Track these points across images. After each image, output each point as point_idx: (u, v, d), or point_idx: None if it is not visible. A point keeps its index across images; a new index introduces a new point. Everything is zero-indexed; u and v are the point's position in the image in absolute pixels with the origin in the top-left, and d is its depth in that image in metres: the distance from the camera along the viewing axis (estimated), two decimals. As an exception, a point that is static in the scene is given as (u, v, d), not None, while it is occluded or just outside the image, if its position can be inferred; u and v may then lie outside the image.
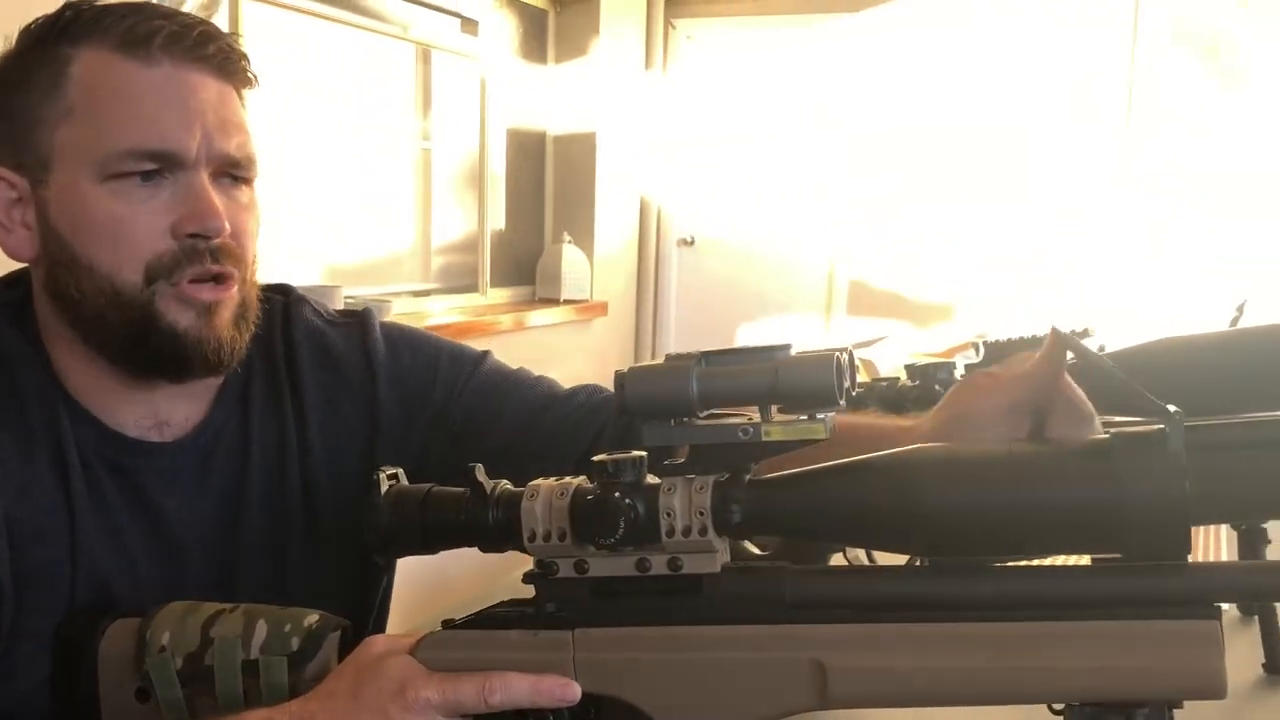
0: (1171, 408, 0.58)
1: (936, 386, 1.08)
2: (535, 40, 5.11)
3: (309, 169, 3.91)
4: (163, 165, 0.89)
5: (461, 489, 0.72)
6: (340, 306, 3.53)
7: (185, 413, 0.99)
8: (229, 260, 0.93)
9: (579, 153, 5.18)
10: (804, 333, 5.29)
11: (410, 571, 1.11)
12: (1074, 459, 0.60)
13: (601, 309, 5.16)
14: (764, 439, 0.66)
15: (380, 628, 1.13)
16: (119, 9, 0.91)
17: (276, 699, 0.75)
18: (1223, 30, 4.92)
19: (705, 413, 0.68)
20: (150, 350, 0.92)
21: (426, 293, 4.54)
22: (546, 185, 5.24)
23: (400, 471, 0.75)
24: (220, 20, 3.13)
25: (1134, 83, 5.07)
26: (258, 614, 0.79)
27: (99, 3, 0.91)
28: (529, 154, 5.15)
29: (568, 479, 0.70)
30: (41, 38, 0.91)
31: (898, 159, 5.40)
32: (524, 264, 5.10)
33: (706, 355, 0.69)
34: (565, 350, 4.94)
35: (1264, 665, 1.16)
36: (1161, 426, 0.58)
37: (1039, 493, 0.60)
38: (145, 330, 0.91)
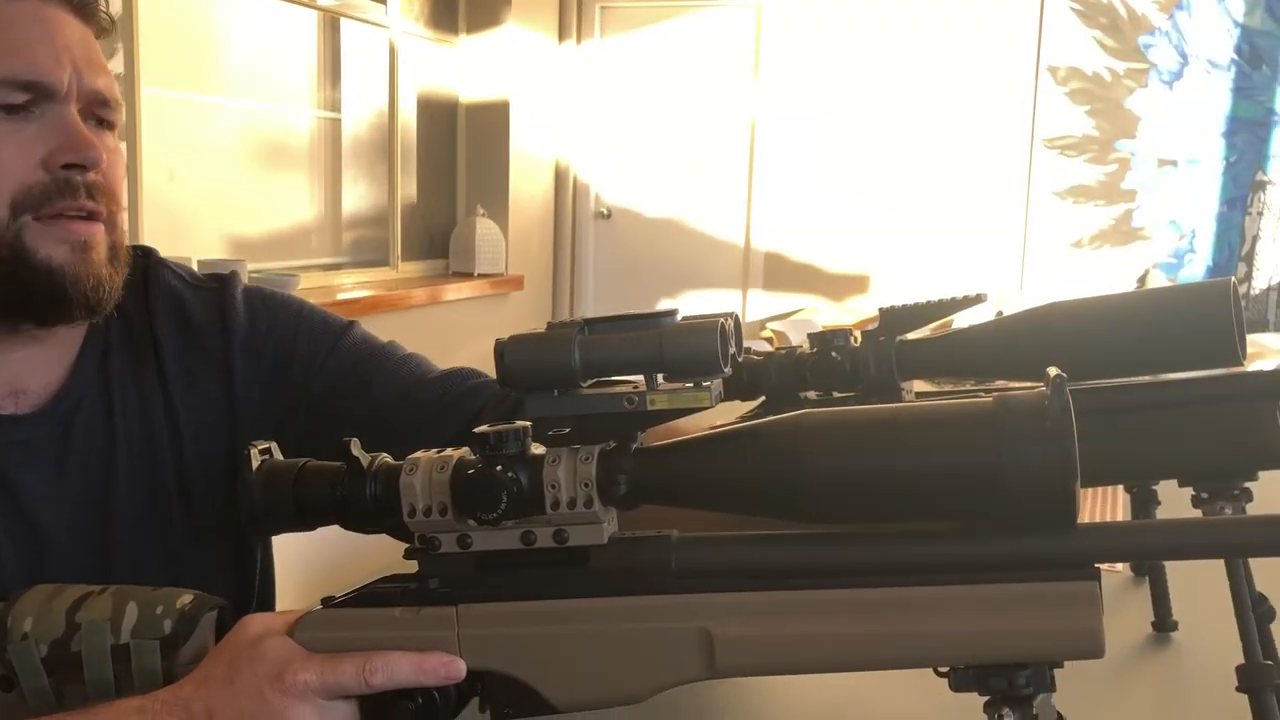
0: (1053, 371, 0.57)
1: (834, 354, 1.07)
2: (446, 8, 5.03)
3: (210, 138, 3.80)
4: (33, 96, 0.86)
5: (338, 464, 0.70)
6: (245, 282, 3.46)
7: (43, 379, 0.93)
8: (102, 198, 0.89)
9: (492, 124, 5.11)
10: (722, 306, 5.31)
11: (308, 547, 1.07)
12: (957, 423, 0.59)
13: (518, 283, 5.12)
14: (649, 408, 0.64)
15: (267, 607, 1.08)
16: None
17: (149, 685, 0.72)
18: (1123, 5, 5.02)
19: (589, 382, 0.67)
20: (22, 290, 0.86)
21: (337, 266, 4.46)
22: (459, 157, 5.17)
23: (273, 446, 0.72)
24: (112, -16, 3.02)
25: (1042, 53, 5.16)
26: (128, 596, 0.75)
27: None
28: (441, 125, 5.07)
29: (448, 451, 0.68)
30: None
31: (813, 130, 5.43)
32: (437, 237, 5.04)
33: (589, 323, 0.67)
34: (480, 326, 4.89)
35: (1153, 624, 1.19)
36: (1044, 389, 0.57)
37: (921, 458, 0.59)
38: (15, 267, 0.86)
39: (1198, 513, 0.95)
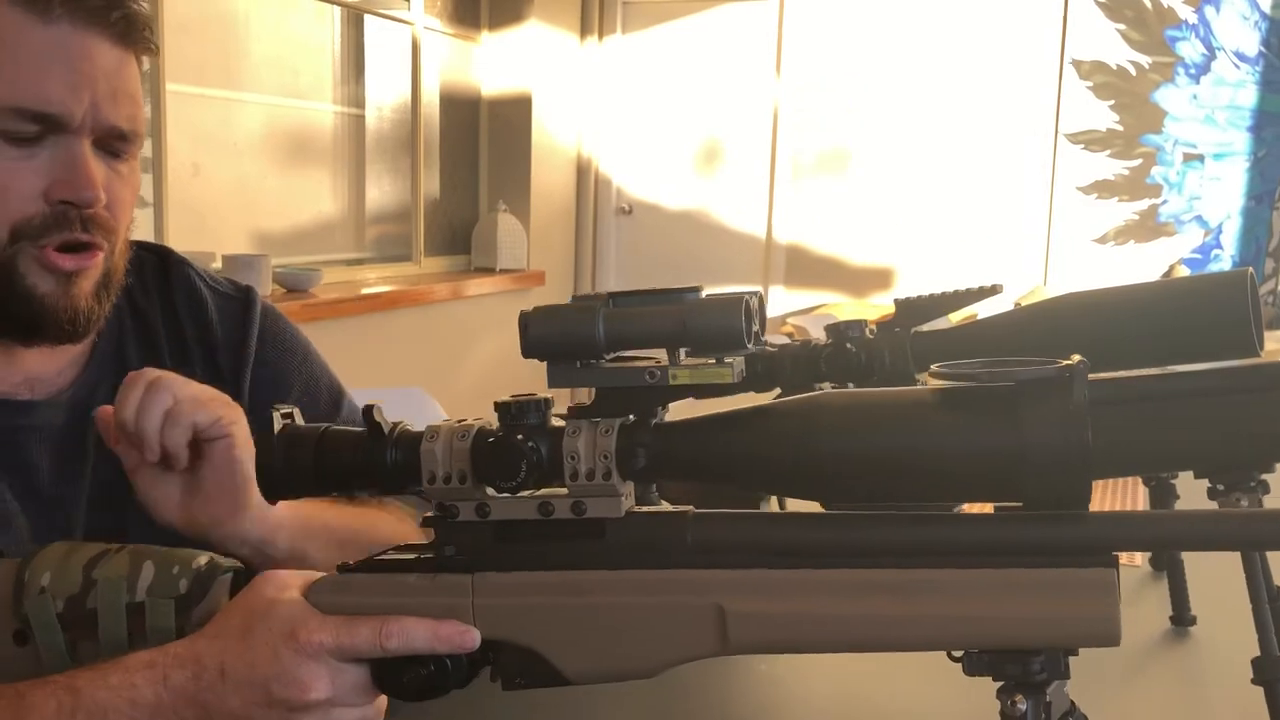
0: (1075, 357, 0.57)
1: (848, 345, 1.07)
2: (469, 4, 5.04)
3: (234, 134, 3.83)
4: (44, 128, 0.86)
5: (359, 429, 0.69)
6: (268, 276, 3.48)
7: (55, 369, 0.96)
8: (99, 231, 0.90)
9: (515, 120, 5.12)
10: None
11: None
12: (976, 405, 0.59)
13: (539, 278, 5.13)
14: (671, 382, 0.64)
15: None
16: None
17: (163, 643, 0.71)
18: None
19: (612, 355, 0.67)
20: (4, 312, 0.89)
21: (360, 262, 4.48)
22: (481, 153, 5.18)
23: (295, 410, 0.72)
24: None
25: (1066, 47, 5.12)
26: (144, 555, 0.75)
27: None
28: (463, 121, 5.08)
29: (469, 420, 0.68)
30: None
31: (836, 124, 5.41)
32: (459, 233, 5.05)
33: (614, 296, 0.67)
34: (501, 321, 4.90)
35: (1171, 618, 1.18)
36: (1064, 374, 0.57)
37: (939, 439, 0.59)
38: (5, 291, 0.88)
39: (1214, 505, 0.94)
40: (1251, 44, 4.98)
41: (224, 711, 0.67)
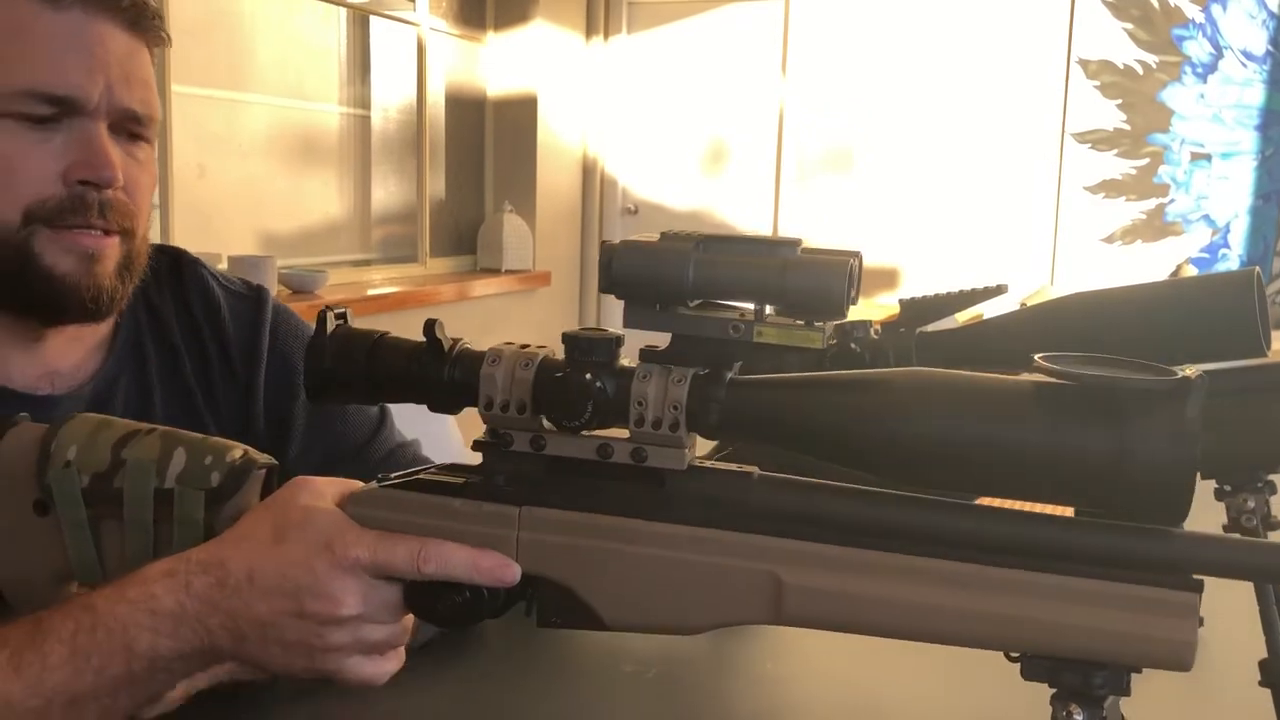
0: (1193, 370, 0.53)
1: (853, 345, 1.07)
2: (474, 4, 5.04)
3: (240, 135, 3.83)
4: (60, 110, 0.88)
5: (418, 340, 0.67)
6: (274, 277, 3.49)
7: (75, 362, 0.97)
8: (117, 216, 0.91)
9: (520, 120, 5.12)
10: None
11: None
12: (1080, 404, 0.55)
13: (545, 279, 5.13)
14: (755, 339, 0.62)
15: None
16: None
17: (189, 534, 0.70)
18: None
19: (695, 302, 0.63)
20: (27, 292, 0.89)
21: (366, 263, 4.48)
22: (487, 154, 5.18)
23: (348, 311, 0.69)
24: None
25: (1073, 46, 5.11)
26: (177, 440, 0.72)
27: None
28: (469, 122, 5.08)
29: (531, 348, 0.64)
30: None
31: (842, 124, 5.41)
32: (465, 233, 5.05)
33: (706, 240, 0.63)
34: (508, 321, 4.91)
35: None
36: (1180, 386, 0.53)
37: (1038, 435, 0.55)
38: (21, 271, 0.88)
39: (1220, 505, 0.94)
40: (1259, 43, 4.97)
41: (249, 618, 0.65)
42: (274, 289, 3.49)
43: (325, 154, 4.35)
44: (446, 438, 1.49)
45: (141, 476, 0.71)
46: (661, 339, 0.65)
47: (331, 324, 0.67)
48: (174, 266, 1.05)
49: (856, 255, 0.62)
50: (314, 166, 4.29)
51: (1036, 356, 0.56)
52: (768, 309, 0.63)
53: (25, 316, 0.92)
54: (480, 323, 4.69)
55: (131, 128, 0.93)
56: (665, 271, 0.62)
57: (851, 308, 0.68)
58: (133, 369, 0.99)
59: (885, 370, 0.60)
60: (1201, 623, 1.24)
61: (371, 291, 4.10)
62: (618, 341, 0.63)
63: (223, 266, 3.28)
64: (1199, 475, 0.98)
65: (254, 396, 1.03)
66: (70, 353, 0.97)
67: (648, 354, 0.63)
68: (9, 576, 0.73)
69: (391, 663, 0.69)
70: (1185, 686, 1.06)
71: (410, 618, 0.68)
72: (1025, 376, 0.59)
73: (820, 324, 0.61)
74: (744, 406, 0.61)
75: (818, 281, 0.60)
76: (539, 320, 5.11)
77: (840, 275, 0.60)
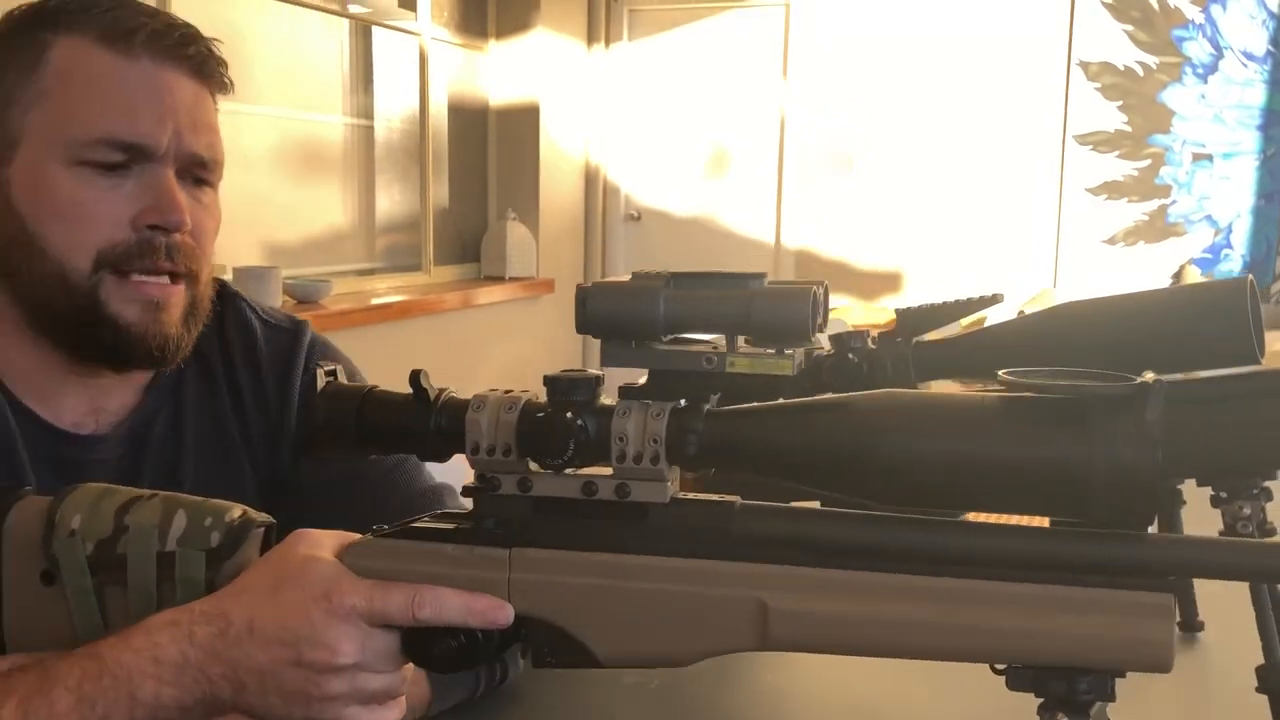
0: (1150, 376, 0.55)
1: (850, 355, 1.08)
2: (475, 14, 5.06)
3: (243, 145, 3.85)
4: (131, 157, 0.91)
5: (404, 393, 0.68)
6: (278, 287, 3.50)
7: (120, 399, 0.99)
8: (184, 259, 0.94)
9: (523, 128, 5.14)
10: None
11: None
12: (1045, 415, 0.57)
13: (548, 286, 5.14)
14: (728, 369, 0.63)
15: None
16: (105, 2, 0.93)
17: (191, 594, 0.71)
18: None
19: (668, 337, 0.65)
20: (95, 340, 0.92)
21: (370, 272, 4.50)
22: (490, 162, 5.20)
23: (339, 368, 0.71)
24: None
25: (1073, 48, 5.11)
26: (177, 504, 0.74)
27: None
28: (472, 130, 5.10)
29: (515, 392, 0.66)
30: (24, 23, 0.94)
31: (843, 128, 5.41)
32: (468, 241, 5.07)
33: (676, 277, 0.65)
34: (512, 329, 4.92)
35: (1179, 624, 1.18)
36: (1139, 391, 0.54)
37: (1007, 449, 0.57)
38: (90, 319, 0.91)
39: (1217, 512, 0.94)
40: (1259, 43, 4.97)
41: (249, 667, 0.66)
42: (278, 299, 3.50)
43: (329, 164, 4.37)
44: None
45: (144, 540, 0.73)
46: (641, 375, 0.66)
47: (322, 380, 0.70)
48: (216, 299, 1.07)
49: (821, 285, 0.64)
50: (318, 177, 4.30)
51: (1000, 372, 0.58)
52: (739, 340, 0.64)
53: (88, 363, 0.95)
54: (484, 330, 4.71)
55: (197, 172, 0.96)
56: (638, 309, 0.64)
57: (844, 325, 0.69)
58: (171, 403, 1.01)
59: (857, 394, 0.62)
60: (1201, 627, 1.24)
61: (376, 300, 4.11)
62: (598, 381, 0.65)
63: (228, 277, 3.29)
64: (1195, 482, 0.99)
65: (285, 426, 1.04)
66: (120, 392, 0.99)
67: (626, 390, 0.65)
68: (20, 647, 0.75)
69: (391, 712, 0.69)
70: (1183, 693, 1.06)
71: (409, 667, 0.70)
72: (991, 392, 0.60)
73: (790, 351, 0.62)
74: (722, 436, 0.63)
75: (783, 311, 0.63)
76: (543, 327, 5.12)
77: (804, 303, 0.62)
